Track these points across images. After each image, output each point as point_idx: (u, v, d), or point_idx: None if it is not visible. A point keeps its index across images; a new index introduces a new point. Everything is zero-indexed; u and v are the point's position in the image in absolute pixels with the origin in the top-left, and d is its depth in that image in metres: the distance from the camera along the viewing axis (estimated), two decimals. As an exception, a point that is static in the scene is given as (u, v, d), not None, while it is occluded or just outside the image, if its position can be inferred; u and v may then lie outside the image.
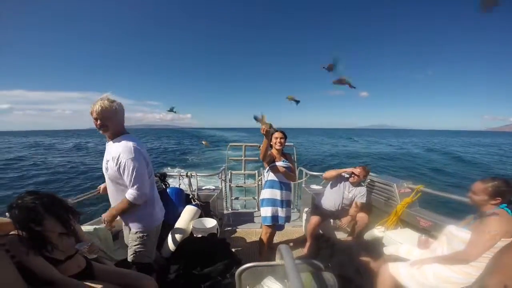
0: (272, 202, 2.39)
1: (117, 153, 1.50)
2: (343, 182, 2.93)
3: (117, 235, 2.27)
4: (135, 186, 1.51)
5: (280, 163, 2.40)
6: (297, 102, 2.35)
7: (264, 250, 2.55)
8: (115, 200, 1.66)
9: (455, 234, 1.54)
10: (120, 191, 1.61)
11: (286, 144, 4.73)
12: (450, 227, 1.63)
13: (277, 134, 2.40)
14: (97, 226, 2.13)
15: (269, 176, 2.44)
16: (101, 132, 1.55)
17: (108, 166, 1.56)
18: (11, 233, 1.13)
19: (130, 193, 1.52)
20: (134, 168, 1.49)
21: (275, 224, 2.44)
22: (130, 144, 1.53)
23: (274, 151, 2.45)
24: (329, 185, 3.10)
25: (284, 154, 2.54)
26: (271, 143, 2.41)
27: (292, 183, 4.36)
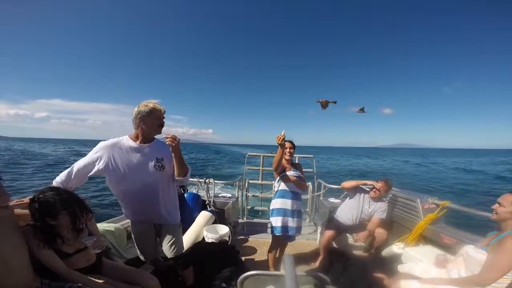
0: (282, 212, 2.34)
1: (169, 151, 1.66)
2: (362, 194, 2.79)
3: (131, 234, 2.40)
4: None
5: (290, 173, 2.38)
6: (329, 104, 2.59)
7: (273, 261, 2.49)
8: (164, 195, 1.74)
9: (472, 256, 1.41)
10: (171, 183, 1.77)
11: (305, 156, 4.69)
12: (467, 247, 1.50)
13: (286, 144, 2.38)
14: (115, 225, 2.27)
15: (280, 186, 2.41)
16: (158, 132, 1.69)
17: (164, 163, 1.68)
18: (26, 224, 1.26)
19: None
20: None
21: (285, 235, 2.37)
22: None
23: (283, 161, 2.43)
24: (347, 197, 2.97)
25: (294, 164, 2.52)
26: None
27: (308, 196, 4.29)
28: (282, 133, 2.07)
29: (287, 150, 2.41)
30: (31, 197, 1.26)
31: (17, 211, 1.29)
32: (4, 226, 1.11)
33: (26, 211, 1.28)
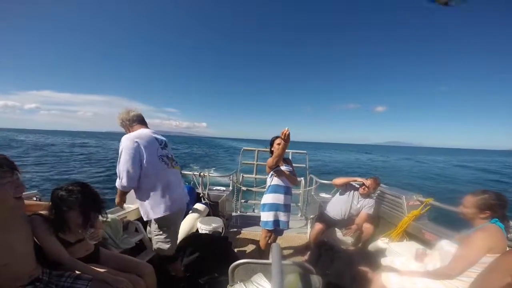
0: (275, 206, 2.38)
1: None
2: (352, 191, 2.90)
3: (127, 226, 2.46)
4: None
5: (283, 167, 2.43)
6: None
7: (264, 253, 2.58)
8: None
9: (446, 249, 1.52)
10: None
11: (298, 152, 4.77)
12: (443, 241, 1.61)
13: (278, 140, 2.40)
14: (111, 215, 2.32)
15: (273, 180, 2.44)
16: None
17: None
18: (33, 213, 1.32)
19: None
20: None
21: (277, 229, 2.43)
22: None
23: None
24: (338, 193, 3.07)
25: (285, 159, 2.55)
26: (272, 149, 2.46)
27: (300, 191, 4.40)
28: (287, 129, 2.01)
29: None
30: (57, 187, 1.35)
31: (26, 202, 1.35)
32: (17, 216, 1.18)
33: (33, 202, 1.34)
